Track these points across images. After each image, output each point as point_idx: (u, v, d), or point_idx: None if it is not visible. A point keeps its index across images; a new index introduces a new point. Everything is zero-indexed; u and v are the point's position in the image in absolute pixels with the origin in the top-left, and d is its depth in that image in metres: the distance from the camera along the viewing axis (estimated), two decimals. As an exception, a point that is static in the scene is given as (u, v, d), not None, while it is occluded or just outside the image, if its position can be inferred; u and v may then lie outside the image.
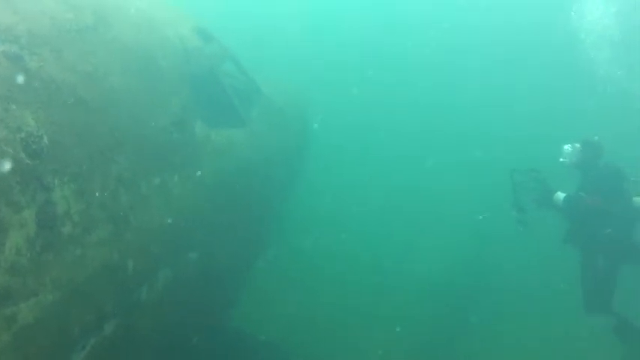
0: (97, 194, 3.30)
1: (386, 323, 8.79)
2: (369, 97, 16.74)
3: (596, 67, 12.15)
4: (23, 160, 2.86)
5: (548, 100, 15.19)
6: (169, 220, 4.04)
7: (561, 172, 7.04)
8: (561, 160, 6.89)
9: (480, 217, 9.93)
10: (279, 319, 7.87)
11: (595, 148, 6.69)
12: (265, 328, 7.00)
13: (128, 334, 3.54)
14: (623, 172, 6.52)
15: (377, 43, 18.27)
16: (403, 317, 9.01)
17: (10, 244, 2.69)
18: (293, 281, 9.07)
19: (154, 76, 4.44)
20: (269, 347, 6.43)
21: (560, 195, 6.68)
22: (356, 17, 18.96)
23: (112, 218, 3.41)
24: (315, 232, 10.30)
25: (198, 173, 4.59)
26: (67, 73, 3.48)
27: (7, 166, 2.77)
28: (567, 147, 6.86)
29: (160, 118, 4.24)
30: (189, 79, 4.88)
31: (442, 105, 16.55)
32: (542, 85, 15.50)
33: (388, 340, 8.49)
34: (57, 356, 2.95)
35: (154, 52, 4.64)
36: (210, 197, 4.71)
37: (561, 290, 7.83)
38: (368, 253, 10.73)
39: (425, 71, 17.30)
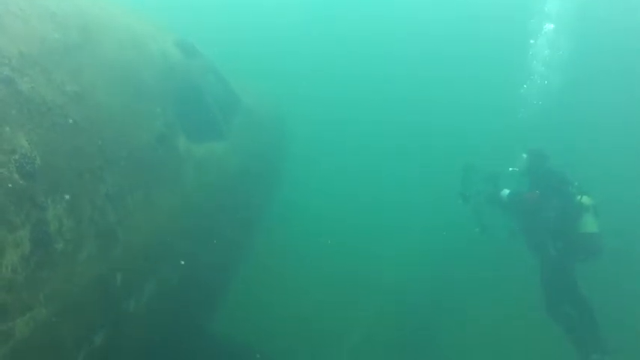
0: (86, 212, 3.45)
1: (352, 332, 9.09)
2: (337, 106, 16.92)
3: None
4: (17, 181, 3.00)
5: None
6: (155, 233, 4.20)
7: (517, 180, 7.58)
8: (511, 169, 7.55)
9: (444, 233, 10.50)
10: (251, 325, 8.03)
11: (539, 156, 7.34)
12: (239, 332, 7.18)
13: (117, 344, 3.69)
14: (565, 175, 7.12)
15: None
16: (369, 325, 9.33)
17: (7, 262, 2.83)
18: (260, 290, 9.22)
19: (138, 93, 4.58)
20: (248, 351, 6.60)
21: (506, 192, 7.33)
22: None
23: (101, 234, 3.56)
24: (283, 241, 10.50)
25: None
26: (57, 94, 3.60)
27: (3, 187, 2.91)
28: (522, 156, 7.49)
29: (145, 135, 4.39)
30: (172, 94, 5.02)
31: (410, 116, 16.78)
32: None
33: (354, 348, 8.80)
34: (51, 368, 3.10)
35: (137, 68, 4.77)
36: (193, 210, 4.88)
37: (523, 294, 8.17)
38: (337, 262, 10.96)
39: (397, 86, 17.52)
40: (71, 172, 3.41)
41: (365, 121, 16.49)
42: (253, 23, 18.18)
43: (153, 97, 4.74)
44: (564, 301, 6.91)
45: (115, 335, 3.67)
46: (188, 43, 5.82)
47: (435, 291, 10.52)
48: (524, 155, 7.42)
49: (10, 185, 2.94)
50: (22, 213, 2.97)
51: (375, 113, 16.83)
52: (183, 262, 4.58)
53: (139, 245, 4.01)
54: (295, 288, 9.55)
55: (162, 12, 7.41)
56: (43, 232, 3.07)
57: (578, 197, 6.88)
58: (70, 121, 3.58)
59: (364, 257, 11.23)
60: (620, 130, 13.11)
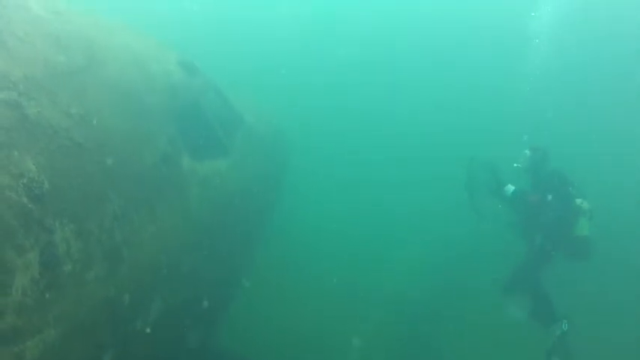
0: (94, 233, 3.49)
1: (352, 343, 9.12)
2: (339, 109, 17.02)
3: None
4: (26, 205, 3.04)
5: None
6: (160, 252, 4.24)
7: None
8: (515, 165, 7.76)
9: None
10: (251, 338, 8.05)
11: (541, 153, 7.56)
12: (240, 346, 7.19)
13: (125, 364, 3.73)
14: (567, 177, 7.37)
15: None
16: (369, 336, 9.35)
17: (17, 285, 2.87)
18: (260, 303, 9.21)
19: (142, 113, 4.63)
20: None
21: (510, 187, 7.54)
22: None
23: (108, 254, 3.60)
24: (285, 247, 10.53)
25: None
26: (63, 117, 3.64)
27: (12, 211, 2.95)
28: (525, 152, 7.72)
29: (149, 154, 4.44)
30: (174, 114, 5.07)
31: (414, 119, 16.86)
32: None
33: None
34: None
35: (140, 89, 4.81)
36: (197, 227, 4.92)
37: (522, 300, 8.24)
38: (339, 268, 10.99)
39: (395, 95, 17.61)
40: (78, 194, 3.45)
41: (363, 133, 16.57)
42: (251, 36, 18.31)
43: (156, 117, 4.79)
44: (525, 285, 7.25)
45: (124, 355, 3.70)
46: (189, 61, 5.88)
47: (434, 300, 10.55)
48: (527, 152, 7.63)
49: (19, 209, 2.98)
50: (31, 236, 3.01)
51: (373, 125, 16.92)
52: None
53: (145, 264, 4.05)
54: (295, 300, 9.58)
55: (163, 29, 7.49)
56: (51, 254, 3.11)
57: (578, 200, 7.15)
58: (76, 143, 3.63)
59: (363, 268, 11.26)
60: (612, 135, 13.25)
